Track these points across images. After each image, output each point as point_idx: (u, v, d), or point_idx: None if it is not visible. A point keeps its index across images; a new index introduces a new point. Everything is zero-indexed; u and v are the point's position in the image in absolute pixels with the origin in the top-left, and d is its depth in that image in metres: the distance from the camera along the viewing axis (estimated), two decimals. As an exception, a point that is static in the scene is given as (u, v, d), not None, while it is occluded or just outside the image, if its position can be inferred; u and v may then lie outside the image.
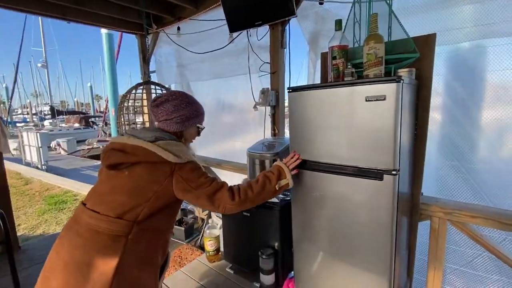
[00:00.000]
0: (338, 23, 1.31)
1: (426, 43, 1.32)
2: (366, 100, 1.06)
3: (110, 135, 12.36)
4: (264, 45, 2.22)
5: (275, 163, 1.24)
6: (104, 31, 8.37)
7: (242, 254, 1.88)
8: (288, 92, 1.33)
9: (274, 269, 1.61)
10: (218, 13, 2.32)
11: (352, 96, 1.12)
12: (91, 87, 36.56)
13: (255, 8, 2.00)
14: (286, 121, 2.02)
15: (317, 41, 1.99)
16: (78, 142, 13.11)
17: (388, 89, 1.00)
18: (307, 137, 1.31)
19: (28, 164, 8.75)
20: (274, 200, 1.63)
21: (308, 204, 1.37)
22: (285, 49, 2.12)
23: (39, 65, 24.86)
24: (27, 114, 27.74)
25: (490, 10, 1.37)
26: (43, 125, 19.75)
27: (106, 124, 14.81)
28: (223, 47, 2.49)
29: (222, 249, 2.11)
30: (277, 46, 2.09)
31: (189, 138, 1.20)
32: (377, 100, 1.03)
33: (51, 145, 12.10)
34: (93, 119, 20.17)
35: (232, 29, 2.21)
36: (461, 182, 1.57)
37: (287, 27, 2.06)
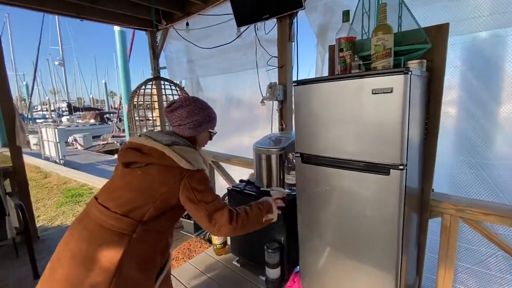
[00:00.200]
0: (346, 14, 1.28)
1: (439, 33, 1.27)
2: (373, 93, 1.03)
3: (124, 130, 12.68)
4: (271, 39, 2.20)
5: (265, 198, 1.30)
6: (117, 28, 8.55)
7: (248, 247, 1.90)
8: (294, 85, 1.32)
9: (280, 263, 1.61)
10: (226, 7, 2.31)
11: (358, 89, 1.09)
12: (105, 84, 37.51)
13: (262, 1, 1.98)
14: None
15: (326, 34, 1.95)
16: (93, 137, 13.55)
17: (395, 81, 0.97)
18: (313, 131, 1.29)
19: (47, 159, 9.12)
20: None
21: (314, 199, 1.36)
22: (293, 43, 2.09)
23: (57, 63, 25.73)
24: (46, 110, 28.82)
25: (509, -3, 1.30)
26: (61, 121, 20.49)
27: (120, 120, 15.20)
28: (230, 42, 2.48)
29: (229, 242, 2.14)
30: (285, 40, 2.06)
31: (202, 142, 1.24)
32: (384, 92, 1.00)
33: (68, 141, 12.56)
34: (107, 115, 20.74)
35: (240, 23, 2.20)
36: (475, 178, 1.51)
37: (294, 20, 2.03)
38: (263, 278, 1.73)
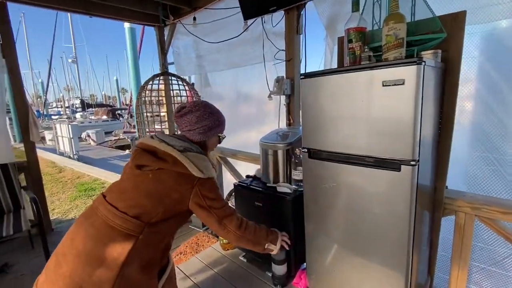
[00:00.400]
0: (356, 3, 1.23)
1: (455, 22, 1.20)
2: (384, 85, 0.98)
3: (134, 126, 12.89)
4: (279, 32, 2.16)
5: (275, 230, 1.38)
6: (127, 25, 8.63)
7: (255, 243, 1.89)
8: (301, 78, 1.28)
9: (286, 260, 1.60)
10: (233, 0, 2.28)
11: (368, 81, 1.05)
12: (117, 80, 38.18)
13: (269, -8, 1.93)
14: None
15: (335, 26, 1.89)
16: (105, 133, 13.85)
17: (407, 72, 0.92)
18: (321, 125, 1.26)
19: (61, 154, 9.40)
20: (287, 190, 1.61)
21: (321, 195, 1.33)
22: (301, 35, 2.04)
23: (70, 60, 26.35)
24: (61, 107, 29.65)
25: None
26: (75, 117, 21.01)
27: (131, 116, 15.45)
28: (237, 36, 2.45)
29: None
30: (293, 32, 2.01)
31: (211, 146, 1.25)
32: (395, 84, 0.95)
33: (81, 136, 12.89)
34: (119, 111, 21.14)
35: (247, 16, 2.16)
36: (492, 174, 1.44)
37: (302, 12, 1.97)
38: (270, 274, 1.72)
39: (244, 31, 2.36)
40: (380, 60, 1.18)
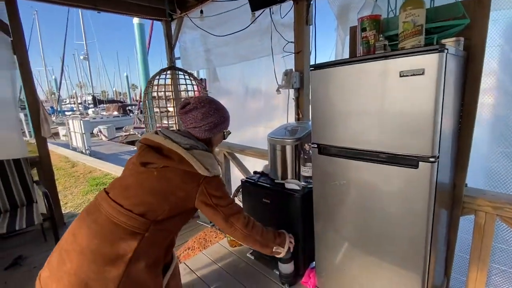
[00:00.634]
0: (370, -12, 1.15)
1: (478, 7, 1.11)
2: (401, 76, 0.91)
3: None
4: (288, 23, 2.08)
5: (284, 231, 1.36)
6: (135, 21, 8.69)
7: (263, 240, 1.86)
8: (311, 70, 1.22)
9: (292, 258, 1.56)
10: (240, -9, 2.22)
11: (383, 72, 0.98)
12: (127, 77, 38.68)
13: (277, -18, 1.86)
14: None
15: (347, 15, 1.80)
16: (116, 129, 14.09)
17: (428, 61, 0.85)
18: (331, 119, 1.20)
19: (74, 149, 9.64)
20: (296, 187, 1.56)
21: (331, 192, 1.28)
22: (310, 26, 1.96)
23: (81, 57, 26.83)
24: (74, 103, 30.36)
25: None
26: (87, 113, 21.50)
27: (141, 112, 15.65)
28: (245, 28, 2.39)
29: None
30: (302, 23, 1.94)
31: (216, 143, 1.23)
32: (414, 75, 0.88)
33: (93, 132, 13.16)
34: (129, 107, 21.45)
35: (254, 7, 2.10)
36: (517, 172, 1.35)
37: (312, 2, 1.90)
38: (277, 272, 1.69)
39: (251, 23, 2.30)
40: (395, 49, 1.10)
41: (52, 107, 22.03)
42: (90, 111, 22.40)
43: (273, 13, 2.13)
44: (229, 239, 2.10)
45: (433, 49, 0.84)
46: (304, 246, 1.56)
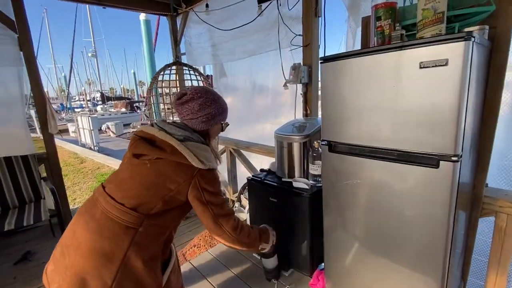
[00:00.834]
0: (386, -26, 1.07)
1: (507, -9, 1.02)
2: (421, 67, 0.84)
3: (151, 119, 13.14)
4: (296, 16, 2.00)
5: (265, 227, 1.35)
6: (142, 17, 8.68)
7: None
8: (321, 63, 1.15)
9: (275, 252, 1.50)
10: (246, -17, 2.15)
11: (400, 63, 0.90)
12: (134, 73, 39.00)
13: (285, -29, 1.78)
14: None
15: (359, 5, 1.71)
16: (124, 125, 14.25)
17: (452, 50, 0.78)
18: (342, 115, 1.13)
19: (83, 145, 9.78)
20: (304, 186, 1.51)
21: (342, 192, 1.22)
22: (319, 18, 1.88)
23: (90, 54, 27.15)
24: (83, 100, 30.84)
25: None
26: (96, 110, 21.80)
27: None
28: (251, 21, 2.32)
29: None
30: (311, 15, 1.86)
31: (214, 135, 1.18)
32: (435, 66, 0.81)
33: (102, 128, 13.34)
34: (137, 104, 21.66)
35: (261, -1, 2.03)
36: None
37: (322, -8, 1.82)
38: (286, 274, 1.65)
39: (258, 15, 2.23)
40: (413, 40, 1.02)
41: (62, 104, 22.44)
42: (98, 108, 22.71)
43: (280, 5, 2.06)
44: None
45: (459, 37, 0.76)
46: (312, 247, 1.51)
